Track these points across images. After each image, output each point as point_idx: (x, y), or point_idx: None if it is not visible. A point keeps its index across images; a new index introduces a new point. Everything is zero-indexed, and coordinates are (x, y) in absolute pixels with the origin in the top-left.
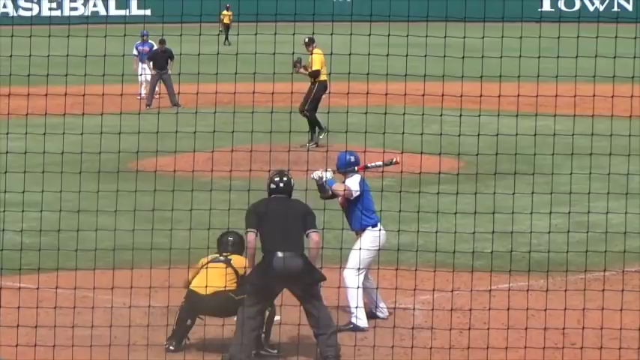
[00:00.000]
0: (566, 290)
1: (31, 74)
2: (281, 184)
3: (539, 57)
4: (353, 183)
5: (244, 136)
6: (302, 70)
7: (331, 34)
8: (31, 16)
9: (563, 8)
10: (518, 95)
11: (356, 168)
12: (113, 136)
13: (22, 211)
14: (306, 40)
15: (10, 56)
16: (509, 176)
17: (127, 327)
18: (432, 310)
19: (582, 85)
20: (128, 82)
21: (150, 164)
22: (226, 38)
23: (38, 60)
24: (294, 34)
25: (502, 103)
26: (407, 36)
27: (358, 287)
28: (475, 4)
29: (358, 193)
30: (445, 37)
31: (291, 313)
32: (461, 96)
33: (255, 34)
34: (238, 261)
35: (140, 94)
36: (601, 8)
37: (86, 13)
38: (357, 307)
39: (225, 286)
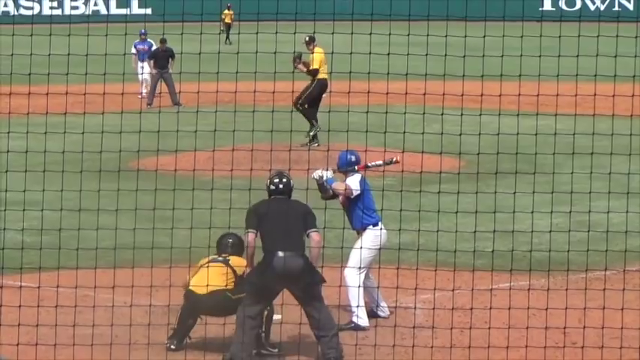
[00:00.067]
0: (567, 289)
1: (32, 73)
2: (280, 186)
3: (540, 56)
4: (353, 182)
5: (245, 135)
6: (301, 66)
7: (332, 33)
8: (32, 15)
9: (564, 7)
10: (519, 94)
11: (356, 167)
12: (114, 135)
13: (23, 210)
14: (307, 38)
15: (11, 55)
16: (510, 175)
17: (127, 326)
18: (433, 309)
19: (583, 85)
20: (129, 81)
21: (151, 163)
22: (227, 37)
23: (39, 59)
24: (294, 33)
25: (503, 102)
26: (408, 35)
27: (359, 286)
28: (476, 4)
29: (359, 192)
30: (446, 36)
31: (292, 312)
32: (462, 95)
33: (256, 33)
34: (237, 261)
35: (141, 93)
36: (602, 7)
37: (87, 12)
38: (358, 306)
39: (222, 286)
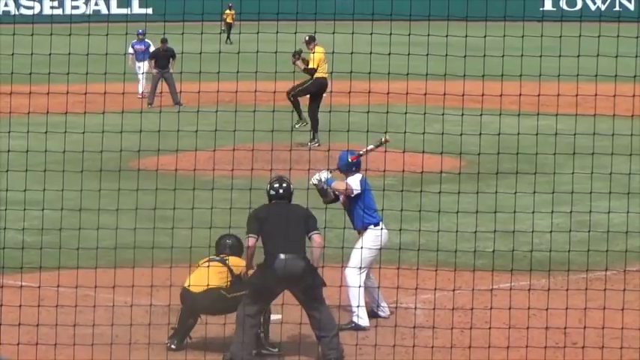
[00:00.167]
0: (567, 290)
1: (32, 73)
2: (281, 190)
3: (540, 56)
4: (354, 181)
5: (246, 135)
6: (299, 62)
7: (333, 33)
8: (33, 14)
9: (565, 7)
10: (520, 94)
11: (350, 158)
12: (115, 135)
13: (24, 209)
14: (306, 38)
15: (12, 55)
16: (510, 175)
17: (128, 326)
18: (434, 309)
19: (584, 85)
20: (130, 81)
21: (151, 163)
22: (228, 37)
23: (40, 58)
24: (295, 32)
25: (504, 102)
26: (409, 35)
27: (360, 286)
28: (477, 4)
29: (359, 191)
30: (447, 36)
31: (293, 312)
32: (462, 95)
33: (257, 33)
34: (235, 261)
35: (142, 92)
36: (603, 8)
37: (88, 12)
38: (358, 306)
39: (218, 284)
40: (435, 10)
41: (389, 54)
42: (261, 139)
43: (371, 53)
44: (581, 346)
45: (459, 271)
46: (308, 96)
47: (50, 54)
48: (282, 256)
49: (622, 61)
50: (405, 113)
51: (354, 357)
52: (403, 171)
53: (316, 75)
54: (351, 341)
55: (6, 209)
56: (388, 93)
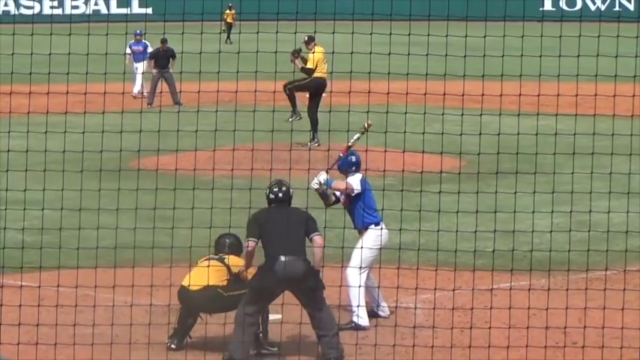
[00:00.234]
0: (567, 289)
1: (32, 73)
2: (280, 194)
3: (540, 56)
4: (354, 181)
5: (246, 135)
6: (297, 61)
7: (333, 33)
8: (33, 14)
9: (565, 7)
10: (520, 94)
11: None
12: (114, 135)
13: (24, 209)
14: (305, 38)
15: (12, 54)
16: (510, 175)
17: (128, 325)
18: (434, 309)
19: (584, 85)
20: (130, 81)
21: (151, 163)
22: (228, 37)
23: (40, 58)
24: (295, 32)
25: (504, 102)
26: (409, 35)
27: (360, 286)
28: (476, 4)
29: (359, 190)
30: (447, 36)
31: (293, 312)
32: (462, 95)
33: (257, 33)
34: (234, 260)
35: (137, 92)
36: (602, 8)
37: (87, 12)
38: (358, 306)
39: (215, 283)
40: (434, 10)
41: (389, 54)
42: (261, 139)
43: (371, 53)
44: (581, 346)
45: (458, 271)
46: (307, 96)
47: (50, 54)
48: (282, 257)
49: (622, 61)
50: (405, 113)
51: (354, 357)
52: (403, 171)
53: (315, 75)
54: (351, 341)
55: (6, 209)
56: (388, 93)
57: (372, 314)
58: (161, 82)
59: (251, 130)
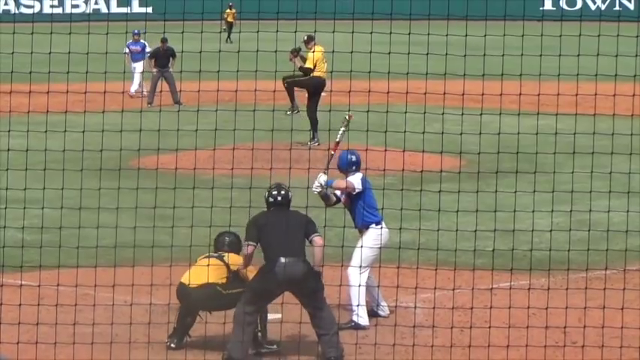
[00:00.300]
0: (567, 289)
1: (32, 72)
2: (279, 198)
3: (540, 55)
4: (355, 180)
5: (246, 134)
6: (296, 60)
7: (333, 32)
8: (33, 13)
9: (565, 7)
10: (520, 94)
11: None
12: (115, 134)
13: (24, 208)
14: (305, 38)
15: (12, 53)
16: (510, 175)
17: (128, 325)
18: (434, 308)
19: (584, 84)
20: (129, 80)
21: (151, 162)
22: (229, 36)
23: (40, 57)
24: (295, 32)
25: (504, 101)
26: (409, 34)
27: (361, 285)
28: (477, 3)
29: (360, 189)
30: (447, 35)
31: (292, 311)
32: (462, 94)
33: (257, 32)
34: (233, 258)
35: (135, 92)
36: (602, 7)
37: (88, 11)
38: (358, 305)
39: (214, 281)
40: (435, 10)
41: (389, 53)
42: (261, 138)
43: (371, 52)
44: (581, 345)
45: (458, 270)
46: (306, 95)
47: (50, 53)
48: (282, 259)
49: (622, 61)
50: (405, 112)
51: (353, 356)
52: (403, 170)
53: (314, 74)
54: (350, 340)
55: (6, 208)
56: (388, 92)
57: (372, 314)
58: (161, 81)
59: (251, 129)
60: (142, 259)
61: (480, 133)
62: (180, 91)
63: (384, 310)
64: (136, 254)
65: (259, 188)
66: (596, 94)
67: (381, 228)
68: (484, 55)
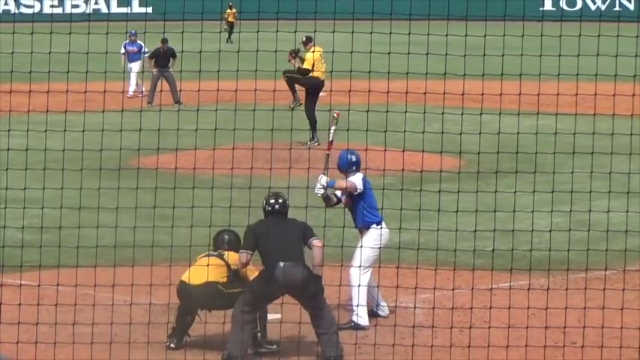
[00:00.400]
0: (567, 289)
1: (32, 71)
2: (277, 206)
3: (540, 56)
4: (356, 180)
5: (246, 134)
6: (294, 61)
7: (333, 32)
8: (33, 13)
9: (565, 7)
10: (520, 94)
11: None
12: (114, 134)
13: (23, 207)
14: (304, 38)
15: (12, 53)
16: (510, 175)
17: (127, 324)
18: (433, 308)
19: (584, 84)
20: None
21: (151, 162)
22: (229, 36)
23: (40, 57)
24: (295, 32)
25: (503, 101)
26: (408, 34)
27: (361, 285)
28: (476, 3)
29: (361, 189)
30: (447, 35)
31: (292, 311)
32: (462, 94)
33: (257, 32)
34: (233, 257)
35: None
36: (602, 7)
37: (88, 11)
38: (359, 306)
39: (215, 279)
40: (434, 10)
41: (389, 53)
42: (260, 138)
43: (371, 52)
44: (581, 346)
45: (458, 271)
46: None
47: (50, 52)
48: (281, 264)
49: (622, 61)
50: (405, 112)
51: (353, 356)
52: (403, 170)
53: (312, 74)
54: (350, 340)
55: (5, 207)
56: (388, 92)
57: (372, 314)
58: (161, 80)
59: (251, 129)
60: (141, 259)
61: (480, 133)
62: (181, 90)
63: (383, 310)
64: (136, 254)
65: (259, 188)
66: (595, 94)
67: (382, 228)
68: (484, 55)
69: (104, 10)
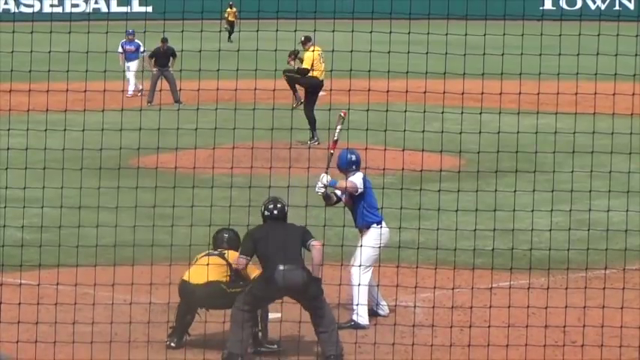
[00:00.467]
0: (567, 288)
1: (32, 70)
2: (275, 211)
3: (540, 55)
4: (356, 180)
5: (245, 133)
6: (293, 62)
7: (333, 31)
8: (33, 12)
9: (565, 7)
10: (520, 93)
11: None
12: (114, 133)
13: (23, 207)
14: (302, 38)
15: (12, 52)
16: (510, 174)
17: (127, 324)
18: (433, 307)
19: (583, 83)
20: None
21: (151, 161)
22: (230, 36)
23: (39, 56)
24: (295, 31)
25: (503, 101)
26: (408, 33)
27: (362, 284)
28: (476, 2)
29: (362, 189)
30: (447, 34)
31: (292, 311)
32: (462, 94)
33: (257, 31)
34: (233, 256)
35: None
36: (602, 7)
37: (88, 10)
38: (359, 305)
39: (217, 278)
40: (434, 9)
41: (389, 52)
42: (260, 137)
43: (371, 52)
44: (581, 345)
45: (458, 270)
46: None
47: (50, 52)
48: (280, 267)
49: (621, 60)
50: (405, 112)
51: (353, 355)
52: (403, 169)
53: (311, 74)
54: (350, 339)
55: (5, 207)
56: (388, 91)
57: (372, 313)
58: (161, 80)
59: (251, 128)
60: (141, 258)
61: (480, 133)
62: (180, 90)
63: (383, 309)
64: (136, 253)
65: (259, 187)
66: (595, 94)
67: (382, 228)
68: (484, 54)
69: (104, 9)
